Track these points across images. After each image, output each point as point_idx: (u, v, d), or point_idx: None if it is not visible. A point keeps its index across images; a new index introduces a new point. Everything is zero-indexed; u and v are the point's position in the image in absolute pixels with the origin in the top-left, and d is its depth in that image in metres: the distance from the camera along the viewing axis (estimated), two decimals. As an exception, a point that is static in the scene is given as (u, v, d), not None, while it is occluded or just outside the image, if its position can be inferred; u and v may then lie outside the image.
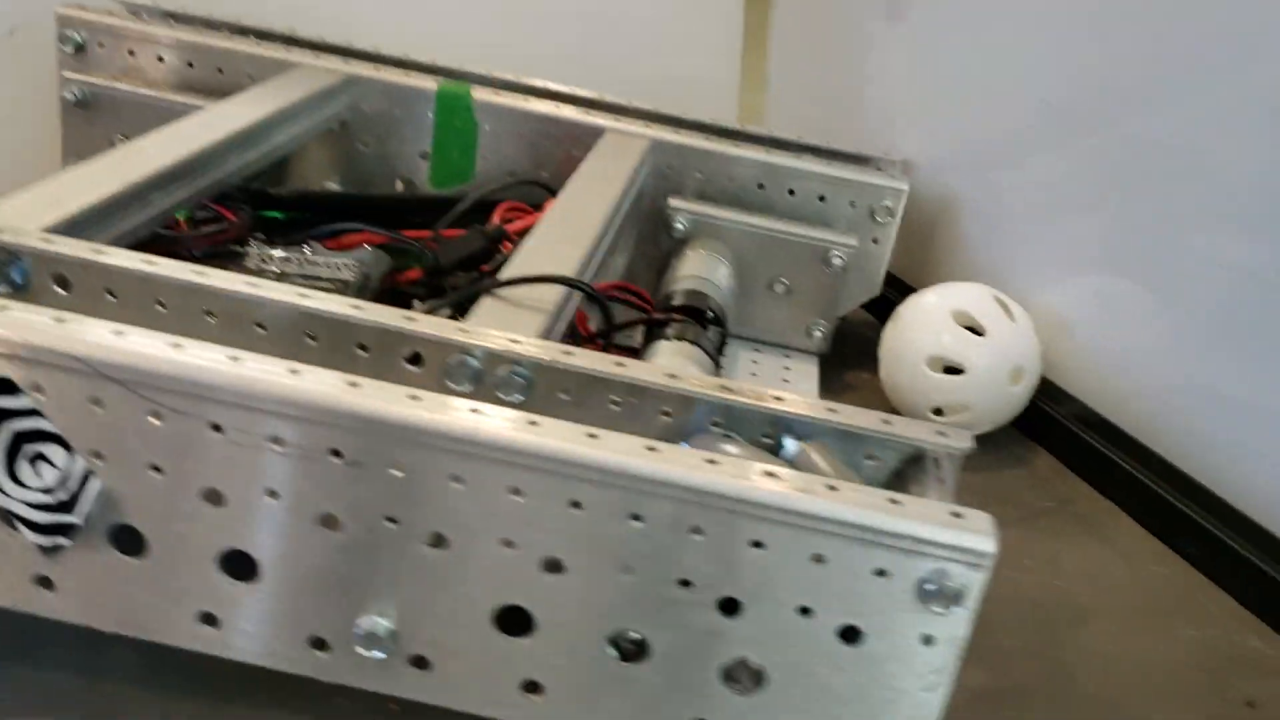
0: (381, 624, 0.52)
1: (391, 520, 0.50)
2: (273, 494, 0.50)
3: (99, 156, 0.72)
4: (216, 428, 0.50)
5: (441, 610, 0.51)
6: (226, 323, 0.58)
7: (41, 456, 0.51)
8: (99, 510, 0.52)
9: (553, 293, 0.64)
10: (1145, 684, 0.64)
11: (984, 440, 0.91)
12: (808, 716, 0.51)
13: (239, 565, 0.52)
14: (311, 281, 0.71)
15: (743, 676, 0.51)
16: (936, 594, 0.48)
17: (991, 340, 0.84)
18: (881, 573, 0.48)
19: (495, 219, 0.86)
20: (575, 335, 0.80)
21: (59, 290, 0.59)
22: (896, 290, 1.00)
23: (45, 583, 0.53)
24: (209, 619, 0.53)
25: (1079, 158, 0.88)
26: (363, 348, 0.58)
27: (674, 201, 0.95)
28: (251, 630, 0.53)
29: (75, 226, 0.62)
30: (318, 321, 0.57)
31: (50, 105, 0.99)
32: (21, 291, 0.59)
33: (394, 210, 0.87)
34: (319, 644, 0.53)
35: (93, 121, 0.98)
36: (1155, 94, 0.80)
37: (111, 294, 0.58)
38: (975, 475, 0.88)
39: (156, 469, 0.51)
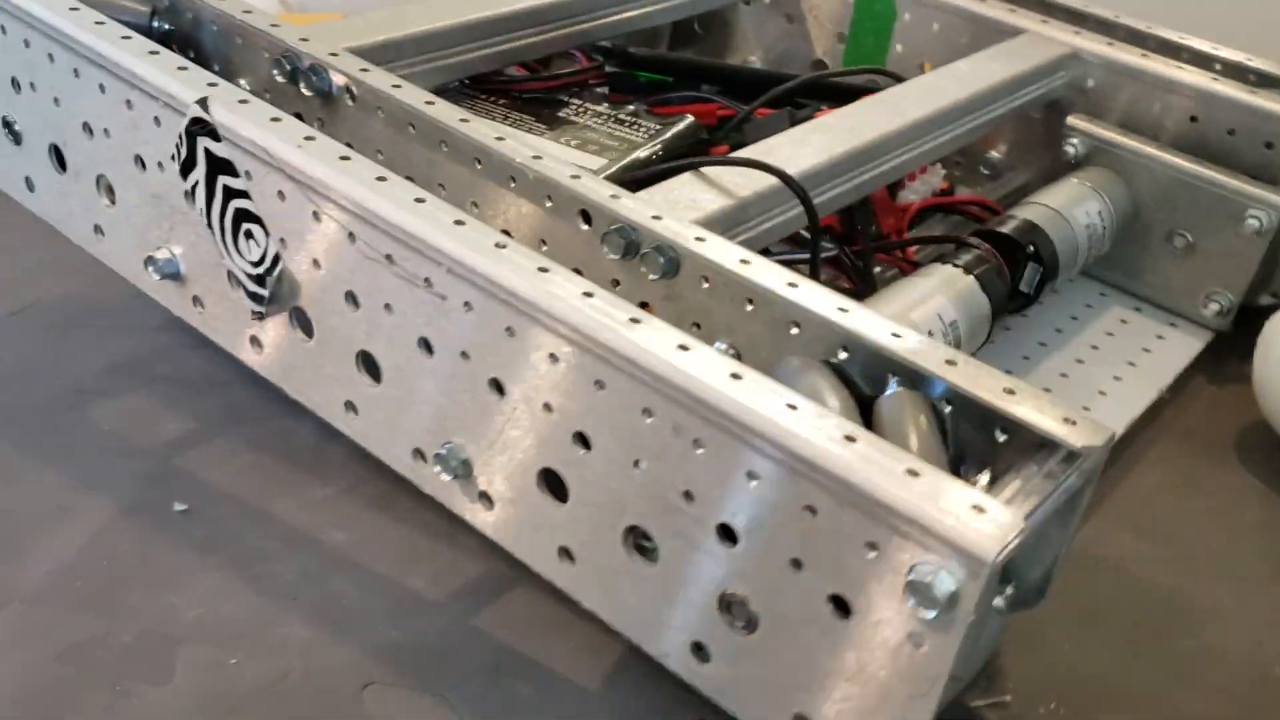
0: (459, 454, 0.55)
1: (465, 355, 0.53)
2: (388, 308, 0.55)
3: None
4: (352, 237, 0.55)
5: (500, 455, 0.53)
6: (453, 154, 0.63)
7: (251, 234, 0.60)
8: (286, 291, 0.60)
9: (759, 181, 0.61)
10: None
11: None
12: (794, 678, 0.46)
13: (372, 366, 0.58)
14: (598, 137, 0.73)
15: (739, 613, 0.47)
16: (923, 590, 0.41)
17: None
18: (873, 546, 0.42)
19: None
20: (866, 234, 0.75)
21: (349, 102, 0.67)
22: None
23: (255, 342, 0.63)
24: (351, 407, 0.60)
25: None
26: (549, 199, 0.60)
27: (1072, 119, 0.83)
28: (377, 425, 0.59)
29: (386, 50, 0.70)
30: (510, 168, 0.60)
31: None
32: (326, 99, 0.67)
33: (756, 84, 0.86)
34: (419, 454, 0.57)
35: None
36: None
37: (381, 110, 0.65)
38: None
39: (317, 263, 0.58)
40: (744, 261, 0.53)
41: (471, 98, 0.77)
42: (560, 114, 0.77)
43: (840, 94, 0.83)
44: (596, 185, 0.57)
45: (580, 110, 0.77)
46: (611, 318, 0.48)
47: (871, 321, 0.50)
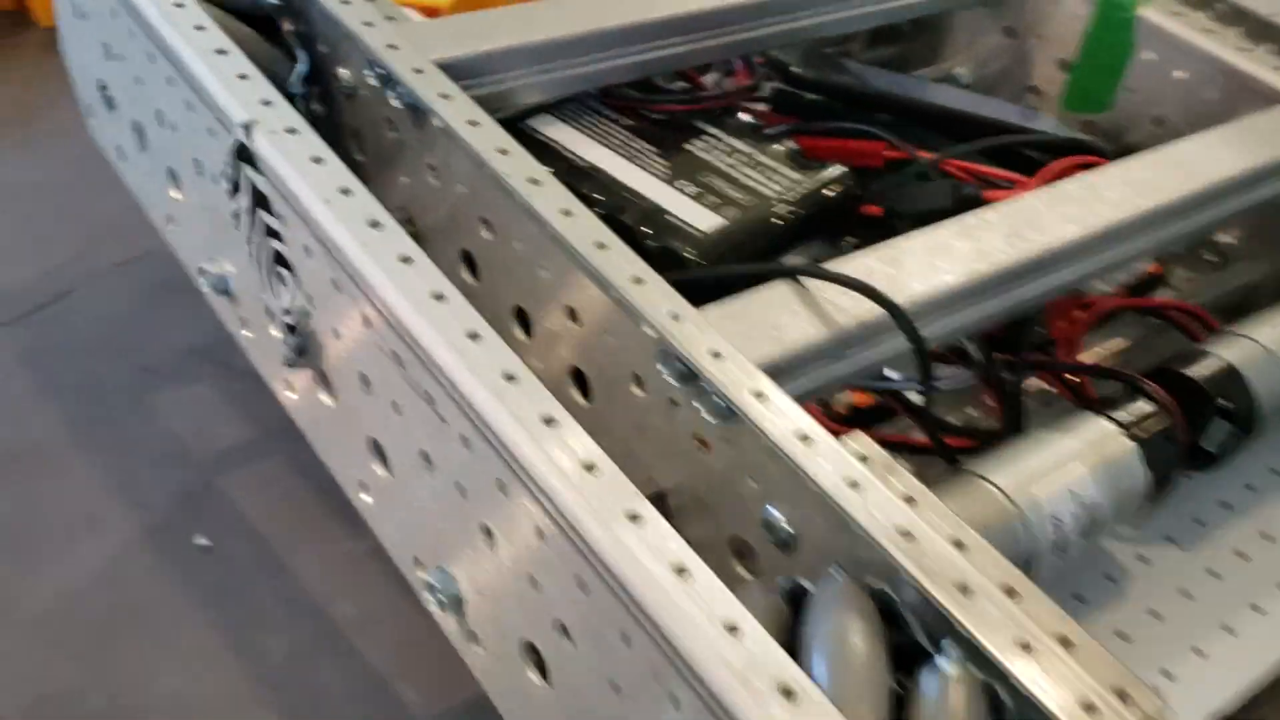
0: (451, 588, 0.48)
1: (460, 489, 0.45)
2: (396, 408, 0.48)
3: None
4: (366, 321, 0.48)
5: (487, 605, 0.46)
6: (529, 211, 0.54)
7: (284, 279, 0.54)
8: (313, 348, 0.53)
9: (866, 306, 0.50)
10: None
11: None
12: None
13: (383, 456, 0.51)
14: (724, 186, 0.62)
15: None
16: None
17: None
18: None
19: (1047, 175, 0.67)
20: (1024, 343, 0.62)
21: (436, 123, 0.59)
22: None
23: (289, 385, 0.57)
24: (363, 486, 0.53)
25: None
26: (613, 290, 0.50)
27: (1319, 229, 0.67)
28: (384, 513, 0.53)
29: (490, 59, 0.61)
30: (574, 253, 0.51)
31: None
32: (416, 113, 0.59)
33: (940, 124, 0.73)
34: (418, 563, 0.51)
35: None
36: None
37: (449, 136, 0.57)
38: None
39: (336, 333, 0.51)
40: (804, 439, 0.43)
41: (594, 113, 0.68)
42: (689, 145, 0.66)
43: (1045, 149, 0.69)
44: (658, 296, 0.47)
45: (714, 144, 0.66)
46: (608, 511, 0.39)
47: (937, 559, 0.40)
